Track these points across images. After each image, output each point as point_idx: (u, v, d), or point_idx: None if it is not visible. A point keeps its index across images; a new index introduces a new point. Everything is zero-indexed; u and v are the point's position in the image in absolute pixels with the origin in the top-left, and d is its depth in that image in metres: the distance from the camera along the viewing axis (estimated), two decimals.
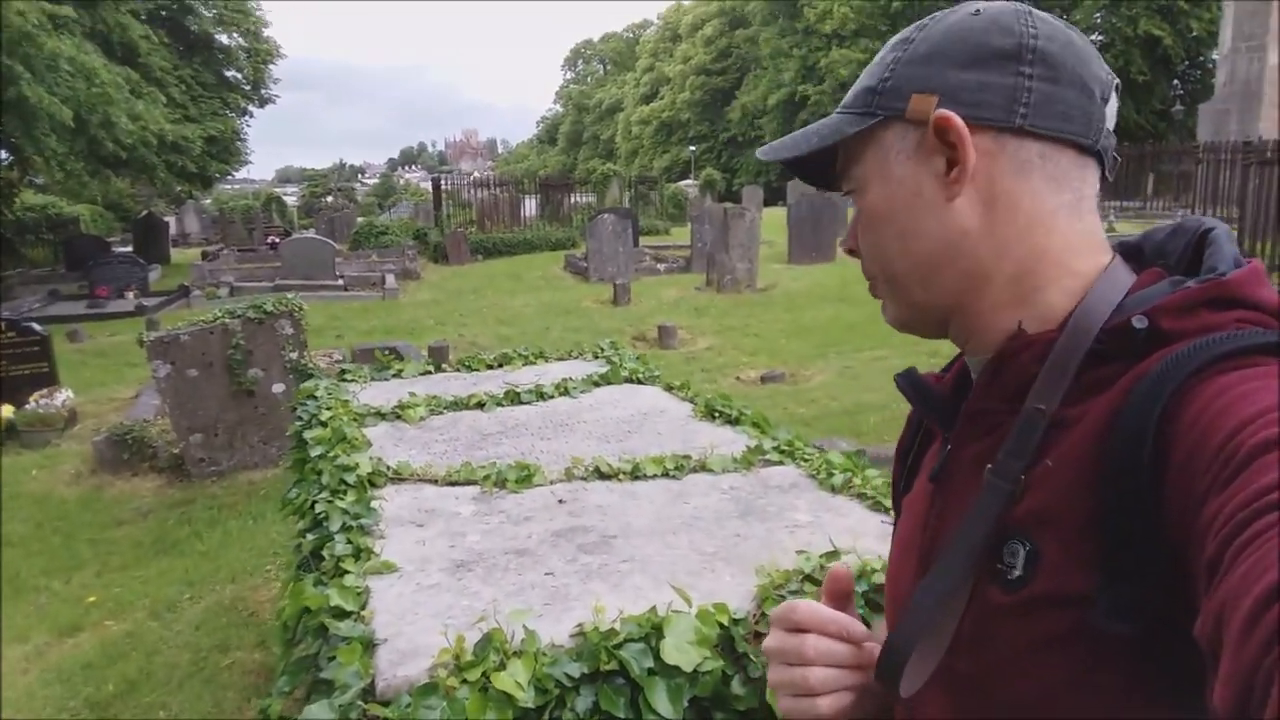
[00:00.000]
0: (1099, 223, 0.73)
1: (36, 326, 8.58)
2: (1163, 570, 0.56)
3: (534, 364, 4.01)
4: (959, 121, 0.68)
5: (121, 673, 4.04)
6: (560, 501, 2.31)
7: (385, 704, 1.44)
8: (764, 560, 1.85)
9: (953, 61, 0.70)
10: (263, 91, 26.70)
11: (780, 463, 2.58)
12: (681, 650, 1.53)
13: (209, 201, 37.42)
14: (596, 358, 4.06)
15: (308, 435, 2.81)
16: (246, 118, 26.87)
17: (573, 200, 24.74)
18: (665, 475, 2.47)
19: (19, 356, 8.23)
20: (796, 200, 17.68)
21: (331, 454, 2.59)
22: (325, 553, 1.97)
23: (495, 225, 22.61)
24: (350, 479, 2.37)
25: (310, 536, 2.10)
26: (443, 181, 25.25)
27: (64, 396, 8.07)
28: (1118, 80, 0.73)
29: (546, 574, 1.87)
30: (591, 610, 1.64)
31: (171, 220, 28.79)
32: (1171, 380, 0.58)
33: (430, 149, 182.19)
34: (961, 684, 0.68)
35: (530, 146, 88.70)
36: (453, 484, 2.46)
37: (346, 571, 1.87)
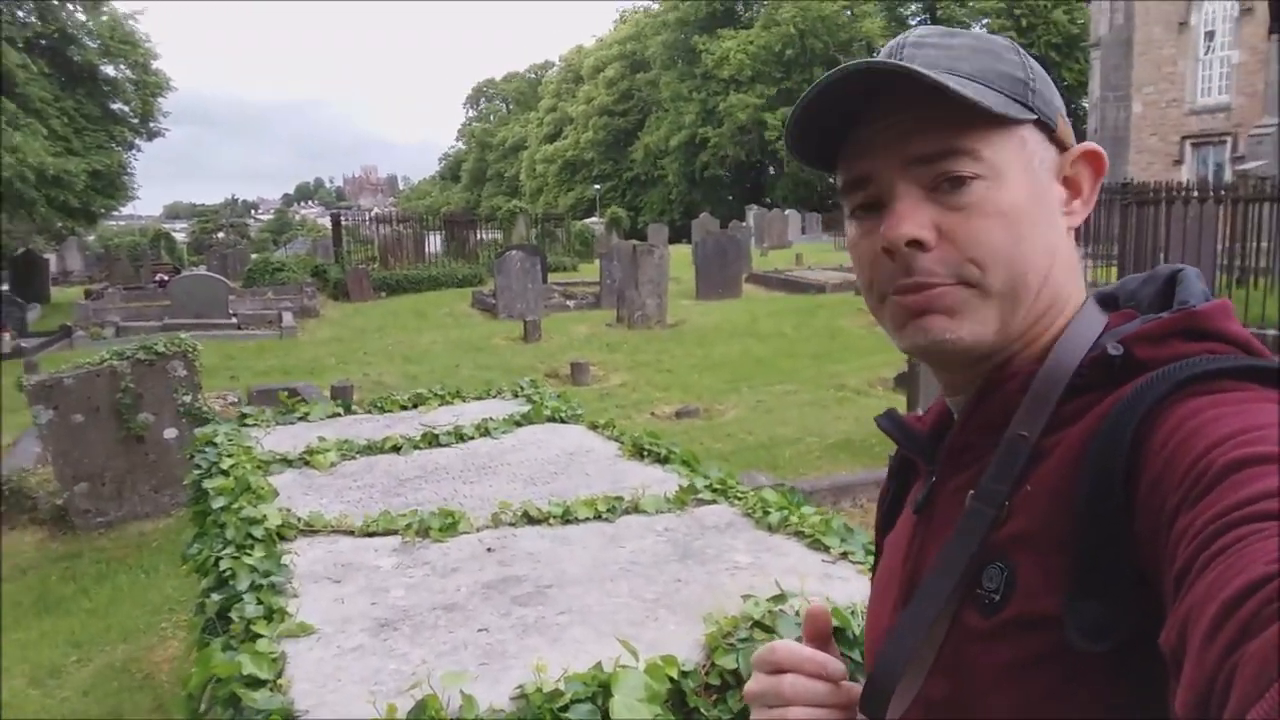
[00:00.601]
0: None
1: None
2: (1134, 588, 0.57)
3: (450, 404, 3.88)
4: (1105, 163, 0.73)
5: None
6: (489, 550, 2.19)
7: None
8: (709, 606, 1.78)
9: (1053, 89, 0.73)
10: (151, 125, 25.76)
11: (714, 501, 2.52)
12: (631, 709, 1.44)
13: (93, 238, 35.85)
14: (516, 396, 3.95)
15: (208, 485, 2.63)
16: (134, 151, 25.93)
17: (479, 237, 24.56)
18: (598, 518, 2.39)
19: None
20: (702, 238, 18.05)
21: (235, 505, 2.41)
22: (234, 614, 1.81)
23: (399, 262, 22.23)
24: (257, 532, 2.21)
25: (215, 596, 1.94)
26: (342, 217, 24.76)
27: None
28: None
29: (480, 630, 1.75)
30: (532, 669, 1.54)
31: (52, 257, 27.44)
32: (1144, 403, 0.59)
33: (328, 184, 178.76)
34: (936, 708, 0.68)
35: (433, 183, 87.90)
36: (371, 534, 2.32)
37: (259, 635, 1.71)
